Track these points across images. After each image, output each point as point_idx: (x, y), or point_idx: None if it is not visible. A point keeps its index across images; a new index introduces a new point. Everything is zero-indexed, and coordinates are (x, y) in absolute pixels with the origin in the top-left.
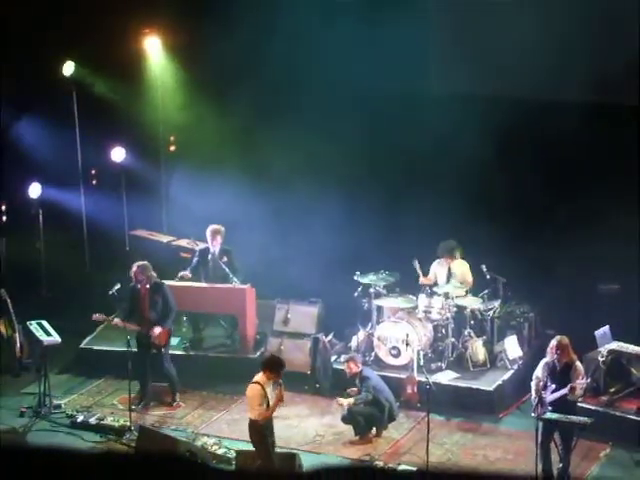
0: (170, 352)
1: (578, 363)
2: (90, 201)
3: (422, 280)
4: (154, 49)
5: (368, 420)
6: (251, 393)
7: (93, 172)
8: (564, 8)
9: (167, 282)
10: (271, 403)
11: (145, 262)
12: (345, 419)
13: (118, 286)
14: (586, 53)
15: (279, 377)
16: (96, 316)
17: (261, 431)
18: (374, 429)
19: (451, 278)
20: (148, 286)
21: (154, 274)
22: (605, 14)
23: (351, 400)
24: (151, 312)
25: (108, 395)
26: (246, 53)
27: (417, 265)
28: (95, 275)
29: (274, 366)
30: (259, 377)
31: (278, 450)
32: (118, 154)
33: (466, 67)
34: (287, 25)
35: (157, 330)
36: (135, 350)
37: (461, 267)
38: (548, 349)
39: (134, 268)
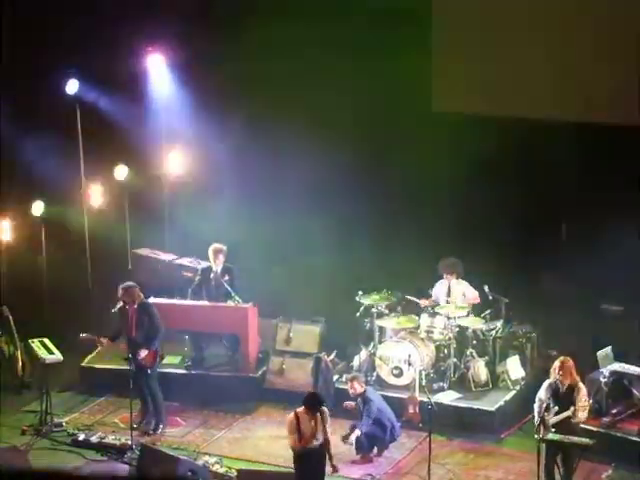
0: (172, 370)
1: (582, 385)
2: (93, 219)
3: (423, 303)
4: (157, 67)
5: (370, 440)
6: (286, 421)
7: (96, 190)
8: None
9: (169, 301)
10: (307, 434)
11: (130, 283)
12: (346, 439)
13: (121, 304)
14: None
15: (313, 412)
16: (83, 336)
17: (297, 458)
18: (375, 449)
19: (450, 295)
20: (135, 306)
21: (141, 295)
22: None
23: (358, 433)
24: (138, 333)
25: (109, 413)
26: (248, 71)
27: (412, 298)
28: (97, 293)
29: (306, 401)
30: (301, 408)
31: (278, 469)
32: (121, 172)
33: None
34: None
35: (143, 353)
36: (133, 369)
37: (461, 285)
38: (551, 370)
39: (120, 291)
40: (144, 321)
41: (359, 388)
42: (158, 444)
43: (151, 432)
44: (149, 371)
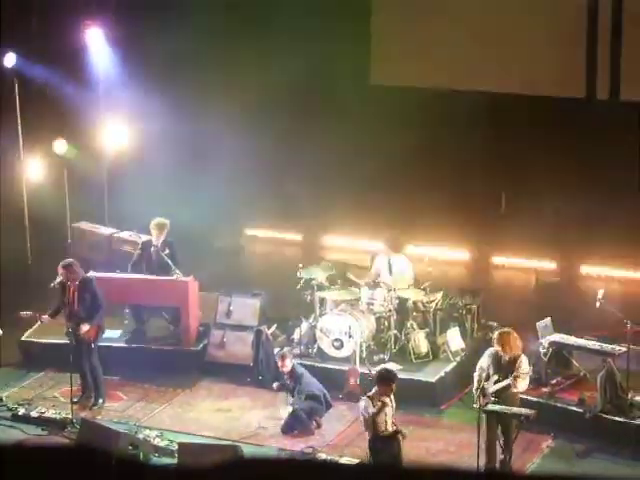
0: (112, 344)
1: (523, 356)
2: (31, 193)
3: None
4: (96, 41)
5: (309, 414)
6: (367, 407)
7: (35, 164)
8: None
9: (109, 275)
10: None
11: (70, 260)
12: (288, 424)
13: (60, 279)
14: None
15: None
16: (23, 314)
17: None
18: (314, 423)
19: (392, 270)
20: (77, 282)
21: (81, 270)
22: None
23: (289, 409)
24: (79, 308)
25: (49, 388)
26: (186, 46)
27: (352, 277)
28: (36, 267)
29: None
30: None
31: (218, 442)
32: (60, 146)
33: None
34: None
35: (84, 327)
36: (73, 343)
37: (402, 260)
38: (494, 340)
39: (60, 268)
40: (86, 297)
41: (290, 364)
42: (99, 418)
43: (91, 406)
44: (92, 345)
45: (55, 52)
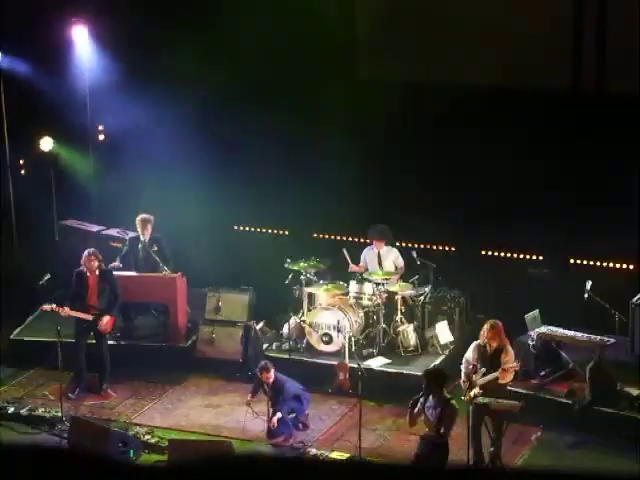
0: None
1: (509, 347)
2: (19, 191)
3: (352, 268)
4: (82, 38)
5: (294, 418)
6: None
7: (21, 162)
8: None
9: None
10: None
11: (93, 249)
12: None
13: (48, 276)
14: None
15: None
16: (45, 307)
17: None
18: (300, 425)
19: (382, 264)
20: (97, 273)
21: (102, 261)
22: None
23: (279, 415)
24: (99, 300)
25: (39, 386)
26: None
27: (346, 254)
28: (24, 265)
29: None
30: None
31: (209, 438)
32: (46, 143)
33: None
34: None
35: (106, 319)
36: (71, 339)
37: (391, 253)
38: (481, 333)
39: (85, 255)
40: (105, 288)
41: (273, 375)
42: (88, 416)
43: (99, 392)
44: (106, 337)
45: (40, 49)
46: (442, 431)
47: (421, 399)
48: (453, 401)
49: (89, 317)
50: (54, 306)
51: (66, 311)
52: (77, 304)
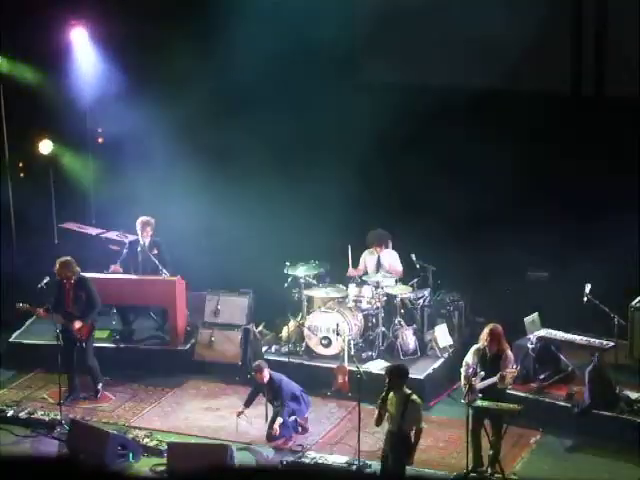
0: (100, 345)
1: (509, 351)
2: (18, 193)
3: (350, 272)
4: (81, 40)
5: (294, 419)
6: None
7: (21, 164)
8: None
9: (96, 275)
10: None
11: (67, 258)
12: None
13: (47, 279)
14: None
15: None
16: (20, 305)
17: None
18: (300, 428)
19: (380, 268)
20: (73, 281)
21: (78, 269)
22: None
23: (280, 420)
24: (74, 307)
25: (38, 389)
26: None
27: (350, 252)
28: (23, 268)
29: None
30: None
31: (208, 441)
32: (46, 146)
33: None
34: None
35: (77, 324)
36: (62, 344)
37: (390, 256)
38: (481, 337)
39: (56, 265)
40: (81, 296)
41: (268, 374)
42: (88, 419)
43: (91, 396)
44: (84, 344)
45: (40, 52)
46: (405, 426)
47: (383, 395)
48: (414, 396)
49: (61, 321)
50: (28, 306)
51: (39, 312)
52: (59, 309)
